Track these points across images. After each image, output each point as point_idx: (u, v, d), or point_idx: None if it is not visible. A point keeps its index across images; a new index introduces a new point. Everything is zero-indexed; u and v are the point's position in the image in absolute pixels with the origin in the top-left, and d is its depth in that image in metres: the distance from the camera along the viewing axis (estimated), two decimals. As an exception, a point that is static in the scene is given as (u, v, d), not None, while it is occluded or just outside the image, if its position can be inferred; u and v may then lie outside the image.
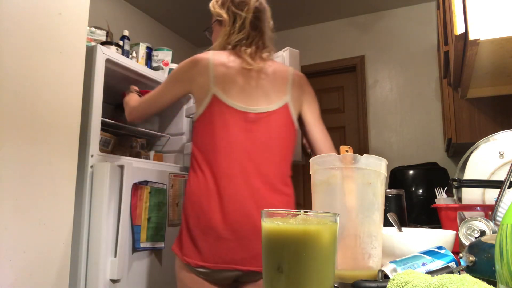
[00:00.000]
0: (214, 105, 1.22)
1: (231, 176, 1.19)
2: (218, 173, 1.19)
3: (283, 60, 1.74)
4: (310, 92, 1.36)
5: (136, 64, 1.97)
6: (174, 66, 2.24)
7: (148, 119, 1.54)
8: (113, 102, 2.05)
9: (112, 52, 1.79)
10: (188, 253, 1.19)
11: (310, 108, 1.34)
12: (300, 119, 1.35)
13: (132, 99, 1.54)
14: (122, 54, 1.93)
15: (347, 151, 0.70)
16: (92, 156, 1.63)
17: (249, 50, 1.26)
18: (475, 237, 0.78)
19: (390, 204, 1.23)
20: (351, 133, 3.29)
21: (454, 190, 1.28)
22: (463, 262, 0.59)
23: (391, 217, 0.87)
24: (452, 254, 0.63)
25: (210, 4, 1.35)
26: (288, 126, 1.28)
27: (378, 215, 0.67)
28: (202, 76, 1.24)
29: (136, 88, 1.73)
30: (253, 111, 1.23)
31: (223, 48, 1.31)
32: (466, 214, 1.04)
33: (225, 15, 1.29)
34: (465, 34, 0.96)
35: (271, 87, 1.27)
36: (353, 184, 0.67)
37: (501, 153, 1.11)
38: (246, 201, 1.17)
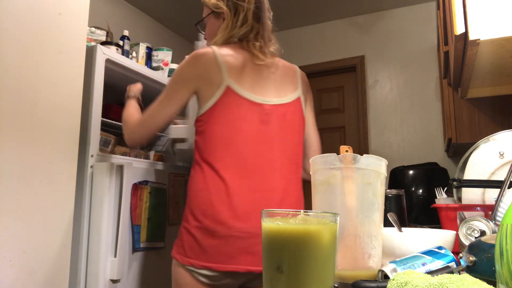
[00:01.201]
0: (228, 97, 1.13)
1: (246, 170, 1.11)
2: (231, 168, 1.11)
3: None
4: (311, 92, 1.38)
5: (136, 64, 1.97)
6: (174, 66, 2.24)
7: (150, 140, 1.32)
8: (114, 102, 2.05)
9: (112, 52, 1.79)
10: (191, 253, 1.08)
11: (311, 106, 1.35)
12: None
13: (132, 116, 1.31)
14: (122, 54, 1.93)
15: (347, 151, 0.70)
16: (92, 156, 1.63)
17: (258, 44, 1.20)
18: (475, 237, 0.78)
19: (390, 204, 1.23)
20: (351, 133, 3.29)
21: (454, 190, 1.28)
22: (463, 262, 0.59)
23: (391, 217, 0.87)
24: (452, 254, 0.63)
25: None
26: (301, 120, 1.26)
27: (378, 215, 0.67)
28: (210, 70, 1.14)
29: (137, 86, 1.50)
30: (269, 103, 1.17)
31: (226, 42, 1.21)
32: (466, 214, 1.04)
33: (224, 7, 1.20)
34: (465, 34, 0.96)
35: (282, 80, 1.24)
36: (353, 184, 0.67)
37: (501, 153, 1.11)
38: (261, 196, 1.10)
